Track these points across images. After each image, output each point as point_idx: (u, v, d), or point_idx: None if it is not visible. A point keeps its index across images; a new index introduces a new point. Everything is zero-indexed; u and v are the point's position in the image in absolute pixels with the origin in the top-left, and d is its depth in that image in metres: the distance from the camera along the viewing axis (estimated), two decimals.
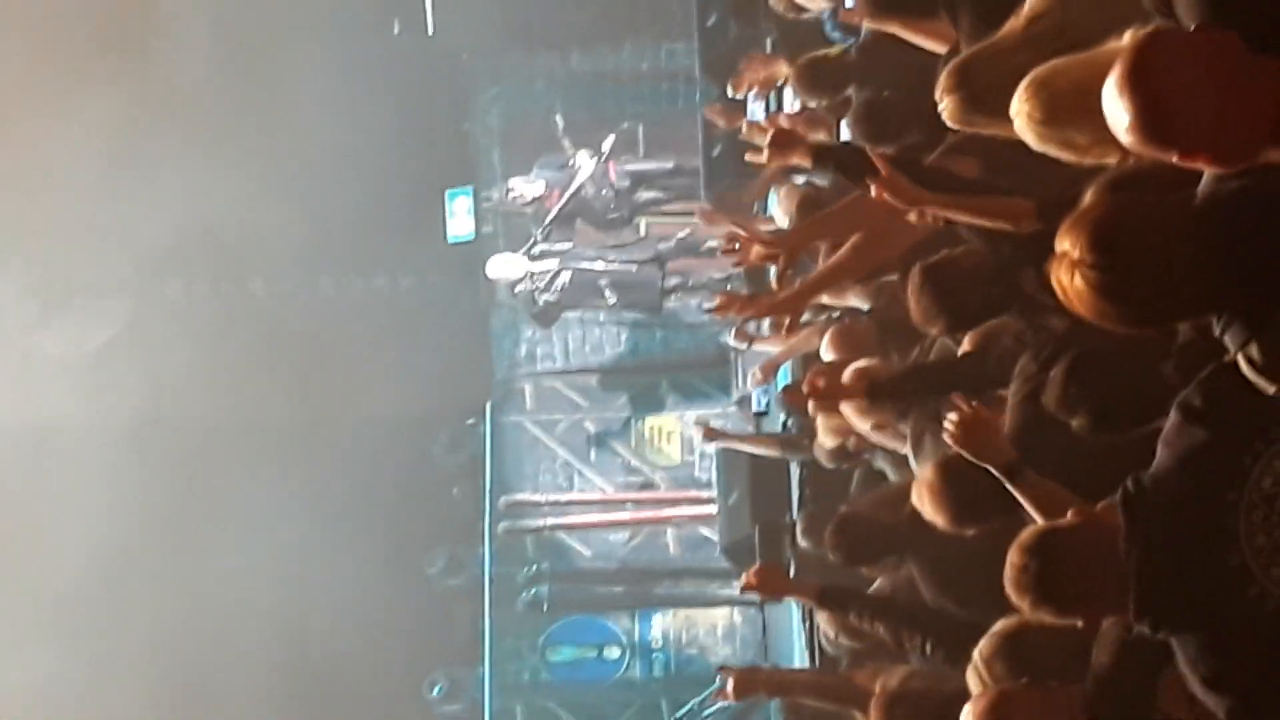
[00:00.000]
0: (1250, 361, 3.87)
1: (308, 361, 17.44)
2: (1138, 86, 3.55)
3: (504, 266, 16.70)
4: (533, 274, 16.57)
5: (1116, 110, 3.59)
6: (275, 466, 16.99)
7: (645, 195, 16.94)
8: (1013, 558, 4.91)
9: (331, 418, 17.65)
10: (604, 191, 16.72)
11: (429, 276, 18.48)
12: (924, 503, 6.11)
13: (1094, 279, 3.80)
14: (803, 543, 8.84)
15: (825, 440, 8.50)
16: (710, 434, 11.84)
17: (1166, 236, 3.83)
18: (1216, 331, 3.91)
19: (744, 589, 8.00)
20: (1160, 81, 3.58)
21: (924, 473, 6.15)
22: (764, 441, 11.35)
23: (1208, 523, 4.10)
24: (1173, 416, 4.44)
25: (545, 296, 16.62)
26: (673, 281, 16.67)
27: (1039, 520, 5.17)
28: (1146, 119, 3.55)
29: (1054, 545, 4.84)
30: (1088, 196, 4.65)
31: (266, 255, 17.36)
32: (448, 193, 17.81)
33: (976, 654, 5.39)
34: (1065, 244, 3.85)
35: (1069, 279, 3.84)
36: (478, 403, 18.53)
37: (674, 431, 18.05)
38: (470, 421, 18.55)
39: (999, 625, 5.30)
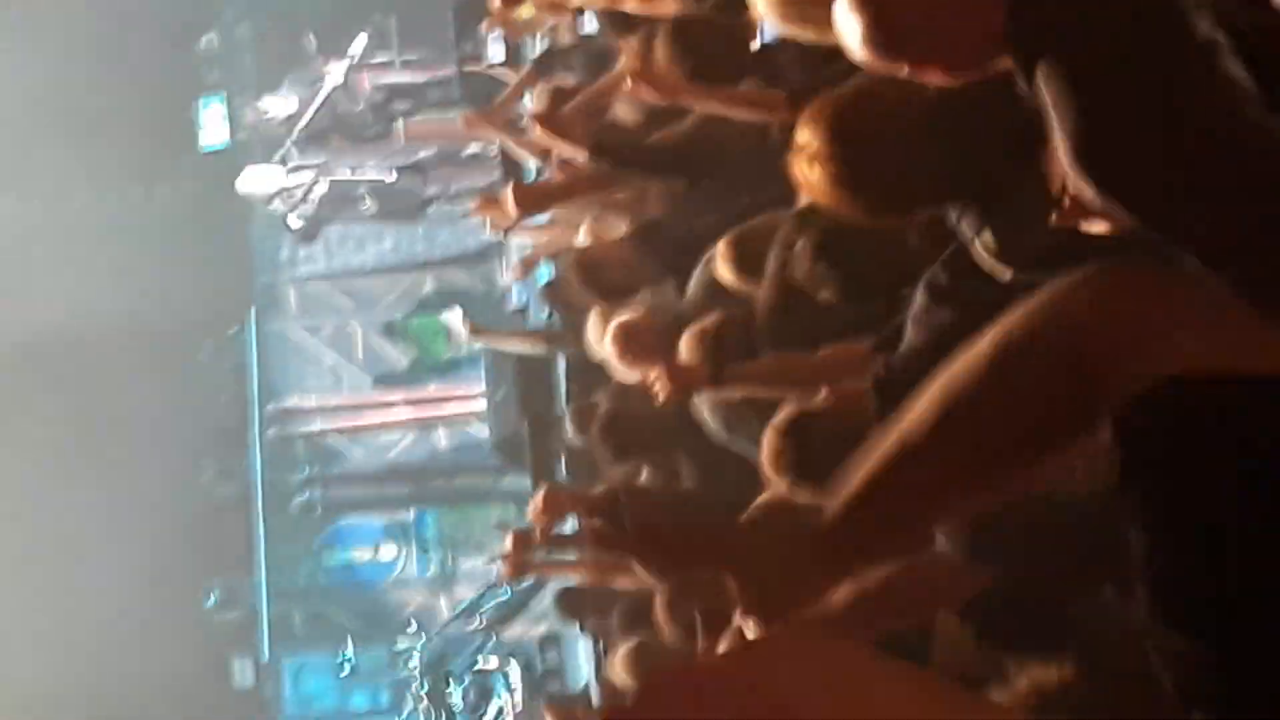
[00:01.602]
0: (986, 249, 3.96)
1: (63, 274, 17.16)
2: (865, 2, 3.60)
3: (256, 180, 16.52)
4: (288, 188, 16.41)
5: (847, 25, 3.63)
6: (33, 384, 16.77)
7: (400, 107, 16.82)
8: (769, 440, 5.02)
9: (89, 331, 17.40)
10: (357, 107, 16.58)
11: (184, 185, 18.25)
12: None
13: (831, 171, 3.85)
14: (572, 438, 8.90)
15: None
16: (475, 331, 11.86)
17: (902, 129, 3.89)
18: (951, 221, 4.00)
19: (533, 515, 7.99)
20: None
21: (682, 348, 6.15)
22: (528, 337, 11.38)
23: None
24: (920, 296, 4.53)
25: (303, 208, 16.48)
26: (433, 189, 16.60)
27: (789, 391, 5.26)
28: (875, 33, 3.58)
29: (808, 426, 4.95)
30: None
31: (16, 167, 17.06)
32: (200, 100, 17.59)
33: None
34: (804, 136, 3.90)
35: (808, 170, 3.89)
36: (240, 310, 18.38)
37: (440, 330, 18.04)
38: (233, 329, 18.40)
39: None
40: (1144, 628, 1.65)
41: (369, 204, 16.54)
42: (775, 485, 5.00)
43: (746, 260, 5.96)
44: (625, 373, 7.03)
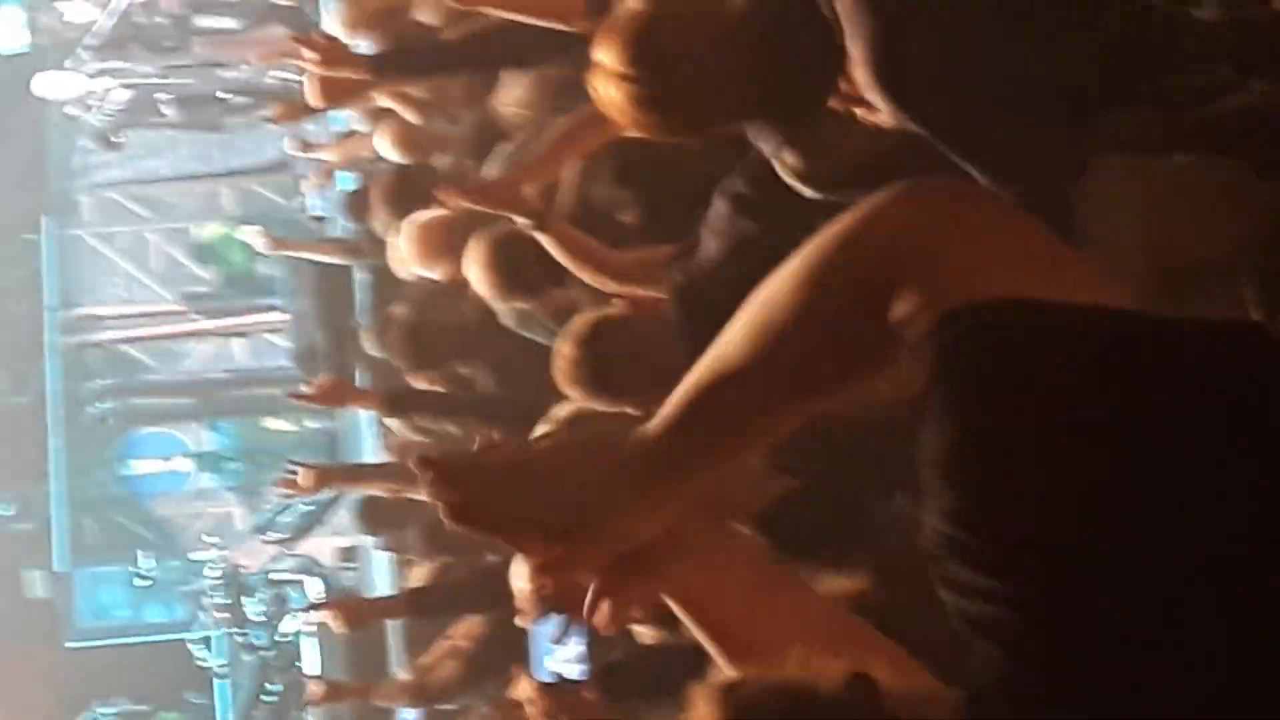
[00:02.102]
0: (788, 168, 3.95)
1: None
2: None
3: (54, 85, 16.20)
4: (89, 92, 16.12)
5: None
6: None
7: (201, 22, 16.55)
8: (563, 348, 5.00)
9: None
10: (156, 18, 16.29)
11: None
12: (478, 282, 6.13)
13: (630, 91, 3.75)
14: (369, 349, 8.87)
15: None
16: (273, 242, 11.77)
17: (703, 47, 3.81)
18: (751, 136, 3.98)
19: (303, 399, 8.06)
20: None
21: (471, 251, 6.16)
22: (326, 248, 11.31)
23: None
24: (718, 204, 4.52)
25: (101, 115, 16.19)
26: (233, 97, 16.37)
27: (587, 277, 5.24)
28: None
29: (604, 335, 4.94)
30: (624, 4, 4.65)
31: None
32: None
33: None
34: (600, 54, 3.80)
35: (606, 89, 3.79)
36: (34, 217, 18.05)
37: (238, 240, 17.87)
38: (27, 236, 18.08)
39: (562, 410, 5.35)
40: (929, 550, 1.67)
41: (169, 112, 16.28)
42: (571, 395, 5.00)
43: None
44: (424, 272, 7.03)
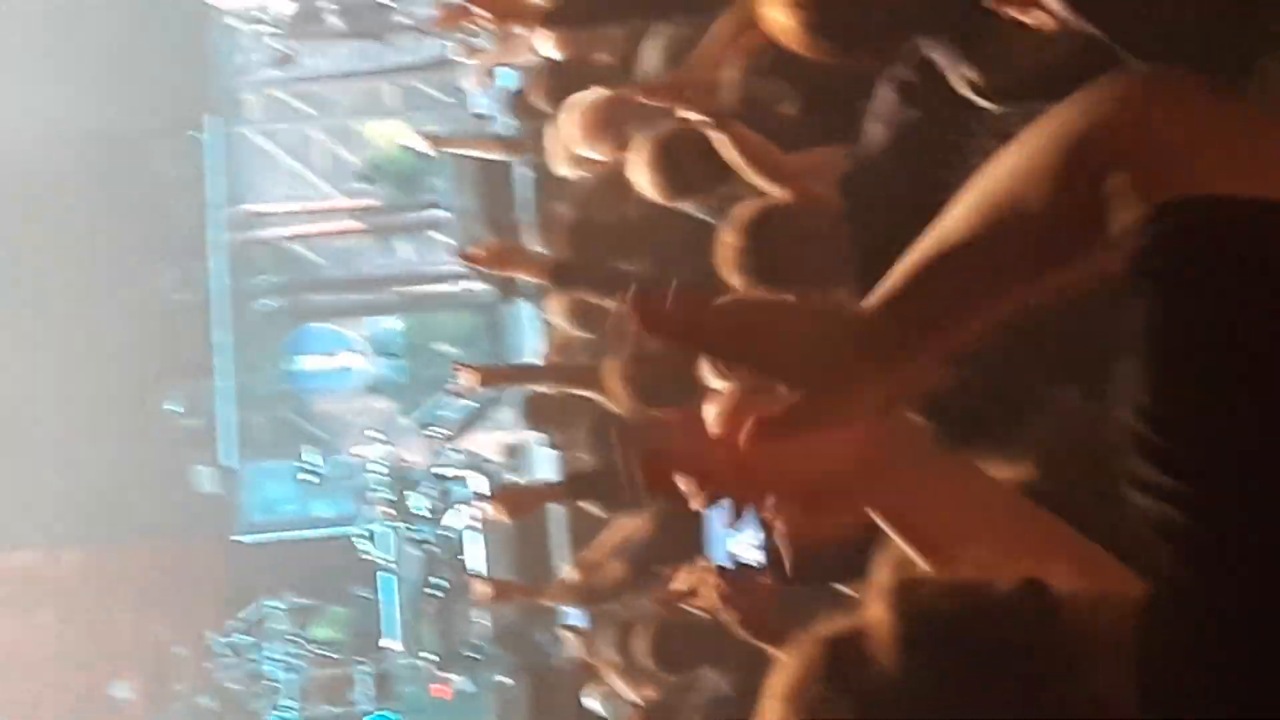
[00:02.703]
0: (964, 81, 3.88)
1: (21, 77, 17.01)
2: None
3: None
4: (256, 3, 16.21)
5: None
6: None
7: None
8: (727, 236, 4.95)
9: (46, 135, 17.28)
10: None
11: None
12: (644, 183, 6.08)
13: (800, 16, 3.70)
14: (535, 244, 8.88)
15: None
16: (436, 140, 11.79)
17: None
18: (926, 52, 3.91)
19: (472, 261, 7.96)
20: None
21: (637, 151, 6.12)
22: (488, 144, 11.31)
23: (922, 202, 4.13)
24: (885, 92, 4.46)
25: (267, 28, 16.25)
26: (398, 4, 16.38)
27: (757, 178, 5.18)
28: None
29: (770, 223, 4.88)
30: None
31: None
32: None
33: None
34: None
35: (777, 14, 3.75)
36: (197, 115, 18.20)
37: (402, 137, 17.93)
38: (191, 133, 18.24)
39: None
40: (1115, 444, 1.62)
41: (334, 21, 16.33)
42: (734, 284, 4.94)
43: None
44: (585, 152, 6.98)
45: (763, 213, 4.92)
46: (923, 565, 2.11)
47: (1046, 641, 1.67)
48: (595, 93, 6.89)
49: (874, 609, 1.74)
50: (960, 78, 3.88)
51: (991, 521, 2.14)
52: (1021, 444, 4.04)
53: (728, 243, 4.91)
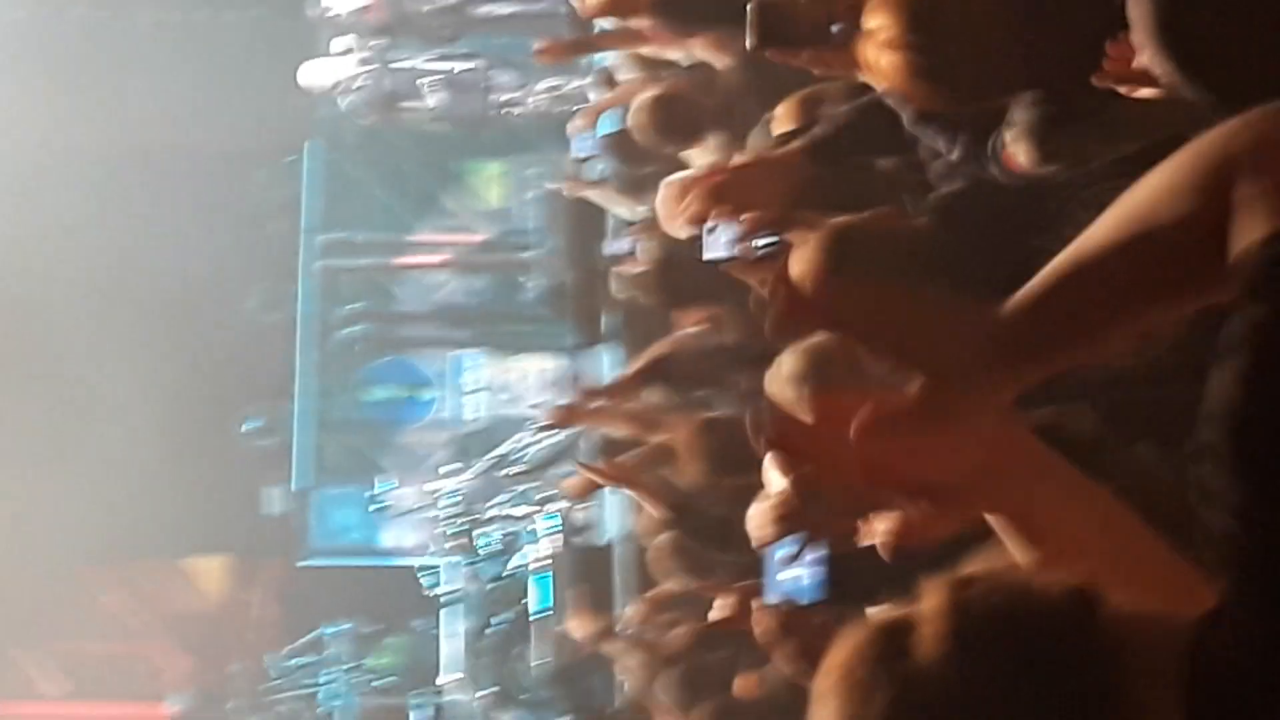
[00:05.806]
0: (1028, 134, 3.88)
1: (128, 91, 17.20)
2: None
3: (317, 74, 16.42)
4: (350, 77, 16.29)
5: None
6: (89, 193, 16.90)
7: (479, 10, 16.48)
8: (811, 248, 4.93)
9: (151, 149, 17.46)
10: (426, 7, 16.24)
11: (250, 10, 18.19)
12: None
13: (906, 59, 3.71)
14: (617, 291, 8.89)
15: None
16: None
17: (978, 15, 3.73)
18: (1016, 111, 3.90)
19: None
20: None
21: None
22: (606, 190, 11.29)
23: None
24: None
25: (363, 96, 16.29)
26: (498, 84, 16.37)
27: None
28: None
29: (852, 237, 4.88)
30: None
31: None
32: None
33: None
34: (877, 20, 3.75)
35: (880, 57, 3.75)
36: (298, 140, 18.34)
37: (496, 176, 18.02)
38: (290, 158, 18.38)
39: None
40: (1199, 483, 1.65)
41: (431, 99, 16.34)
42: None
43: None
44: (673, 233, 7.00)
45: (845, 226, 4.91)
46: (1022, 558, 2.15)
47: (1082, 650, 1.71)
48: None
49: (930, 600, 1.80)
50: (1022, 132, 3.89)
51: (1103, 535, 2.17)
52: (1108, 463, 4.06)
53: (811, 251, 4.90)
